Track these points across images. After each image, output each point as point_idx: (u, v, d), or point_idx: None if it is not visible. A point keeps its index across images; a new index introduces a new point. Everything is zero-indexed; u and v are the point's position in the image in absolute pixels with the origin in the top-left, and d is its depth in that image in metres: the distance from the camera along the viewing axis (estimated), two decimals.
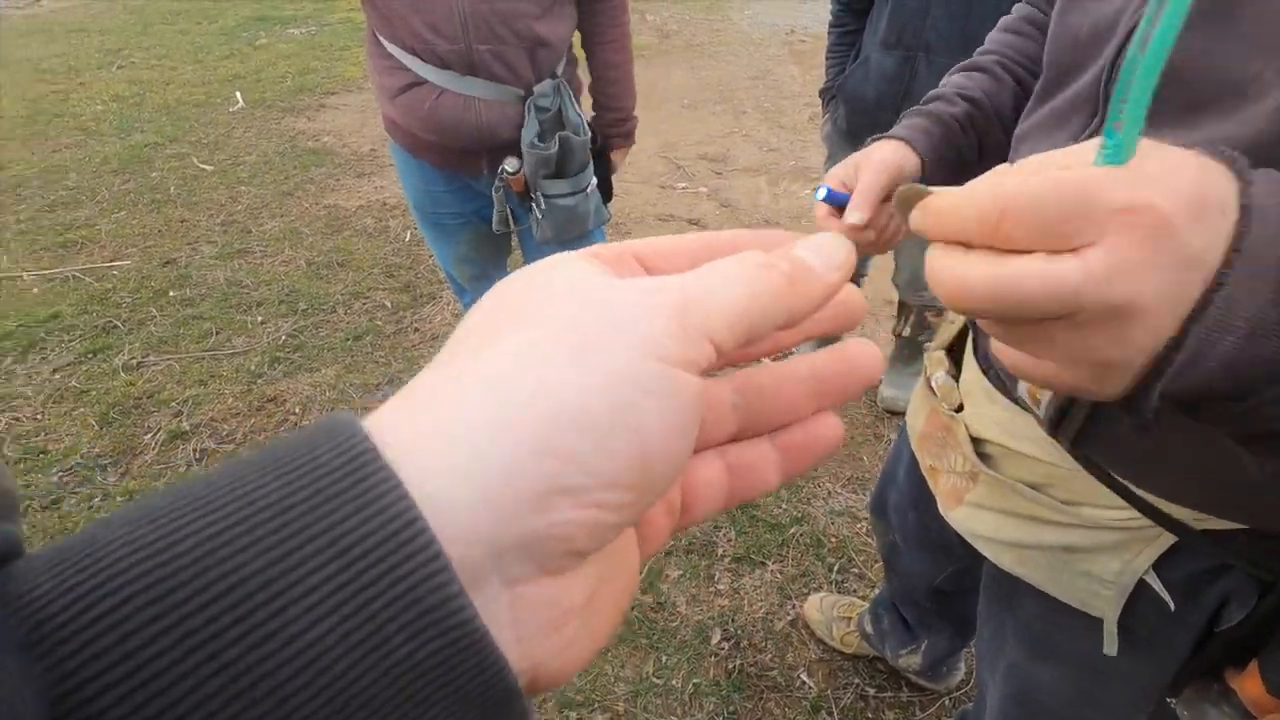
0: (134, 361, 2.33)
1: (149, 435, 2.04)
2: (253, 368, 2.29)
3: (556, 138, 1.35)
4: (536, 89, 1.37)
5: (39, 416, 2.13)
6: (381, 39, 1.39)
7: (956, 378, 0.81)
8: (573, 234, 1.50)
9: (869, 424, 2.01)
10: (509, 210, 1.48)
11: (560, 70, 1.45)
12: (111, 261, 2.92)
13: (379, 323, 2.50)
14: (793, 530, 1.69)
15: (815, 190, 0.70)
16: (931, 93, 0.81)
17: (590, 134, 1.43)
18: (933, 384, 0.83)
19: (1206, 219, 0.26)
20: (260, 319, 2.53)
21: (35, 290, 2.72)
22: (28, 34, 6.31)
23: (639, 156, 3.59)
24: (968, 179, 0.28)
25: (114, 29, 6.56)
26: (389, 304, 2.61)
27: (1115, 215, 0.25)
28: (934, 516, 0.83)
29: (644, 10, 6.85)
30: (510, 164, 1.32)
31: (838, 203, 0.68)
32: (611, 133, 1.57)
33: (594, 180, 1.47)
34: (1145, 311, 0.26)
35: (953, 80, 0.82)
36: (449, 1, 1.24)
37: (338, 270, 2.81)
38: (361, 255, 2.91)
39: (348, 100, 4.74)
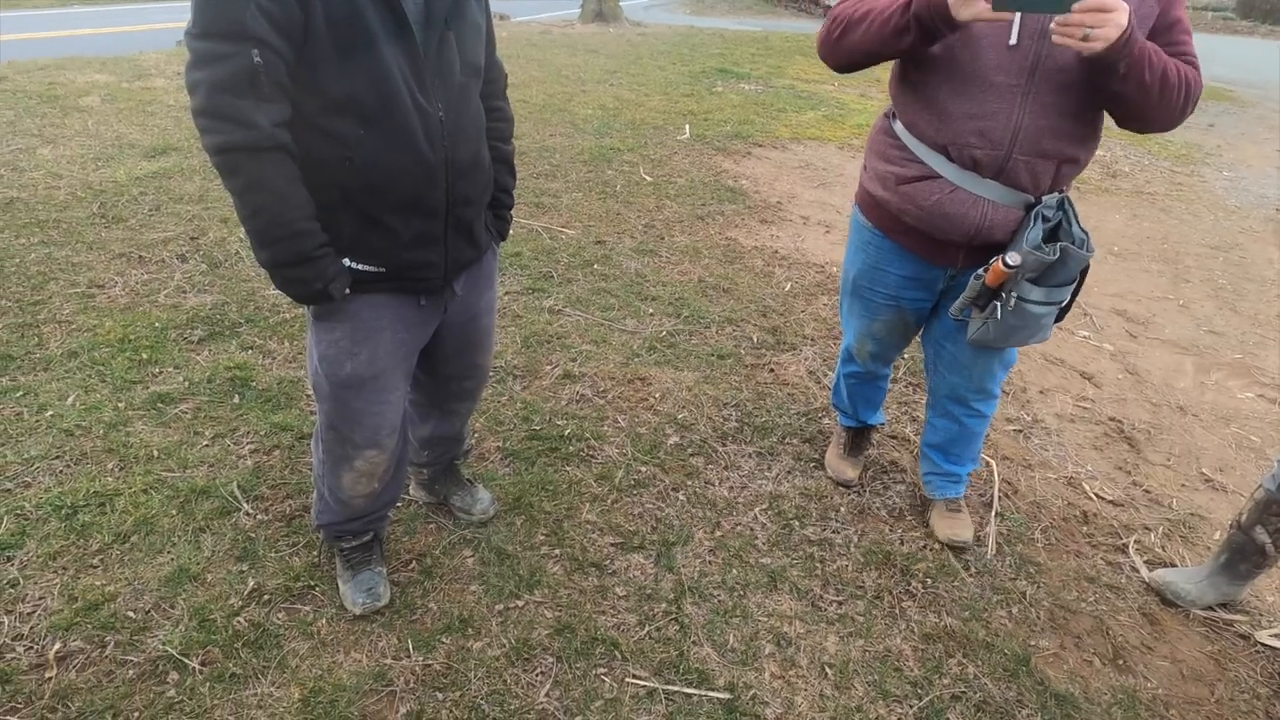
0: (556, 307, 2.90)
1: (549, 367, 2.53)
2: (634, 347, 2.68)
3: (1058, 246, 1.36)
4: (1045, 199, 1.39)
5: None
6: (903, 134, 1.51)
7: None
8: (1013, 342, 1.47)
9: (1263, 699, 1.59)
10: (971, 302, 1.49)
11: (1067, 187, 1.45)
12: (563, 228, 3.66)
13: (741, 351, 2.73)
14: None
15: None
16: None
17: (1090, 253, 1.40)
18: None
19: None
20: (650, 311, 2.95)
21: (510, 232, 3.54)
22: (562, 47, 8.21)
23: None
24: None
25: (616, 55, 8.18)
26: (754, 339, 2.83)
27: None
28: None
29: None
30: (1013, 257, 1.36)
31: None
32: None
33: (1068, 298, 1.44)
34: None
35: None
36: (1010, 115, 1.32)
37: (721, 295, 3.14)
38: (744, 289, 3.21)
39: (771, 155, 5.24)
